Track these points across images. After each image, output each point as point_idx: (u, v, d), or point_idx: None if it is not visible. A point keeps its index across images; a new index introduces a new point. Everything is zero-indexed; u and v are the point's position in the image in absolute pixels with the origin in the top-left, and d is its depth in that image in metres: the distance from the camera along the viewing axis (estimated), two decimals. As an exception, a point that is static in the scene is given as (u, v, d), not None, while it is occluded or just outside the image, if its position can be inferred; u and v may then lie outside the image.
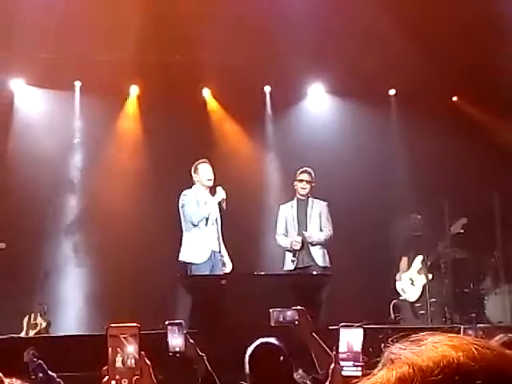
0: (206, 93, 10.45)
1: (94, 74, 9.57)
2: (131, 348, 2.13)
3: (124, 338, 2.13)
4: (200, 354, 3.84)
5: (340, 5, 9.36)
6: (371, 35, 9.23)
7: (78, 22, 9.15)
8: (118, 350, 2.12)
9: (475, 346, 0.89)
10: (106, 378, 2.12)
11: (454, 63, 9.87)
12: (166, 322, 3.77)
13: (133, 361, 2.12)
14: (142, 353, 2.13)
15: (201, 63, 9.82)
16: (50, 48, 9.48)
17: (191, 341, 3.79)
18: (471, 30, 9.27)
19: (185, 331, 3.75)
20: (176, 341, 3.70)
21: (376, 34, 9.14)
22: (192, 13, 9.18)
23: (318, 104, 10.71)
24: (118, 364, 2.12)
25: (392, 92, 10.64)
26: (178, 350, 3.69)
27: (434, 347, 0.90)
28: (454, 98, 10.64)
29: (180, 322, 3.78)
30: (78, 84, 10.09)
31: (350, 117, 10.29)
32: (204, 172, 8.07)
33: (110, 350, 2.13)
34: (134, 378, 2.10)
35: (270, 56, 9.88)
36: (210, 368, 3.84)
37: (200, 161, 8.16)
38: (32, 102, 10.07)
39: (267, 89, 10.53)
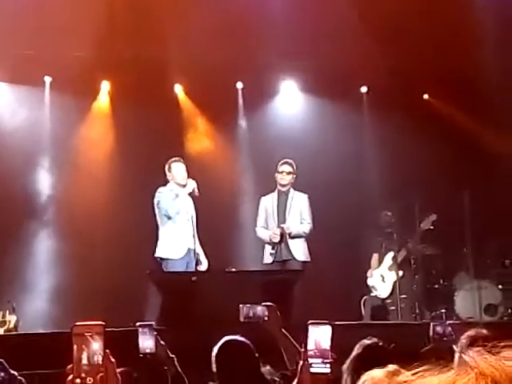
0: (178, 89, 10.42)
1: (65, 69, 9.49)
2: (96, 345, 2.12)
3: (89, 335, 2.13)
4: (170, 355, 3.83)
5: (312, 2, 9.38)
6: (343, 32, 9.25)
7: (49, 18, 9.06)
8: (84, 347, 2.12)
9: None
10: (71, 376, 2.11)
11: (425, 61, 9.94)
12: (137, 324, 3.76)
13: (99, 358, 2.12)
14: (107, 351, 2.13)
15: (173, 59, 9.78)
16: (19, 44, 9.39)
17: (162, 342, 3.79)
18: (443, 28, 9.34)
19: (155, 332, 3.74)
20: (147, 342, 3.69)
21: (348, 32, 9.17)
22: (164, 9, 9.15)
23: (291, 101, 10.73)
24: (84, 362, 2.11)
25: (364, 89, 10.68)
26: (148, 351, 3.68)
27: None
28: (425, 96, 10.70)
29: (151, 324, 3.78)
30: (48, 79, 10.01)
31: (322, 114, 10.32)
32: (177, 171, 8.07)
33: (75, 348, 2.12)
34: (99, 375, 2.10)
35: (243, 53, 9.87)
36: (179, 369, 3.84)
37: (173, 159, 8.15)
38: (1, 97, 9.97)
39: (239, 85, 10.52)
